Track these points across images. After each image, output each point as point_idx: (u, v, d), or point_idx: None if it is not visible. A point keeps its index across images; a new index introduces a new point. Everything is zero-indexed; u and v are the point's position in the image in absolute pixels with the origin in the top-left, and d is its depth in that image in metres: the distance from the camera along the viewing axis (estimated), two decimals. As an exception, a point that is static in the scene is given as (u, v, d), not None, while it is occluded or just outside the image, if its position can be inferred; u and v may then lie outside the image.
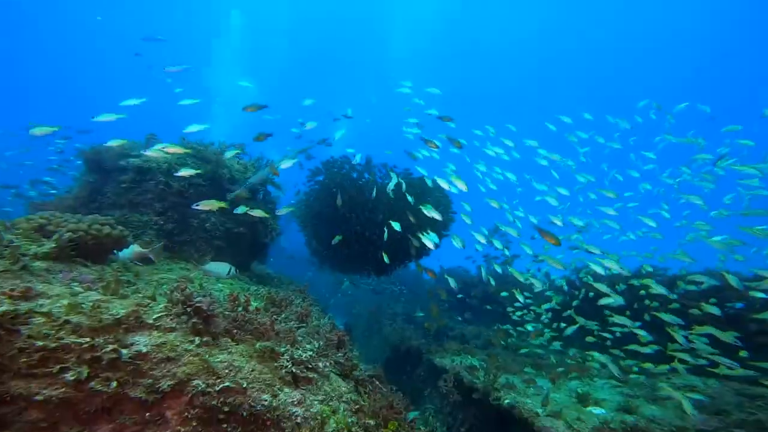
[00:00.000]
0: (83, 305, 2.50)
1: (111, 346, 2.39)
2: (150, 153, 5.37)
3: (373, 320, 12.62)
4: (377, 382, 3.72)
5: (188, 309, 2.79)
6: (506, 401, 5.31)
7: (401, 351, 9.69)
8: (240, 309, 3.11)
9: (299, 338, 3.35)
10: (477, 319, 11.60)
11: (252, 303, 4.91)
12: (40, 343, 2.19)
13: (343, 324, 11.77)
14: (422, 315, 11.22)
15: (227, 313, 3.01)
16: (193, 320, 2.78)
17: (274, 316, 4.11)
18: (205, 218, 6.55)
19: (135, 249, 3.96)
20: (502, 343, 8.76)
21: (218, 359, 2.82)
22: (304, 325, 3.99)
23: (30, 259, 2.81)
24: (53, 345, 2.23)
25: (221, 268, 4.55)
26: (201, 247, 6.51)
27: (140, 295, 3.01)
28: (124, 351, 2.43)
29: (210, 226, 6.56)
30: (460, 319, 11.32)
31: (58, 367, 2.13)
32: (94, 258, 3.42)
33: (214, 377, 2.68)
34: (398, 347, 9.89)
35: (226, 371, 2.77)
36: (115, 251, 3.80)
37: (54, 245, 3.03)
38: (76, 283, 2.80)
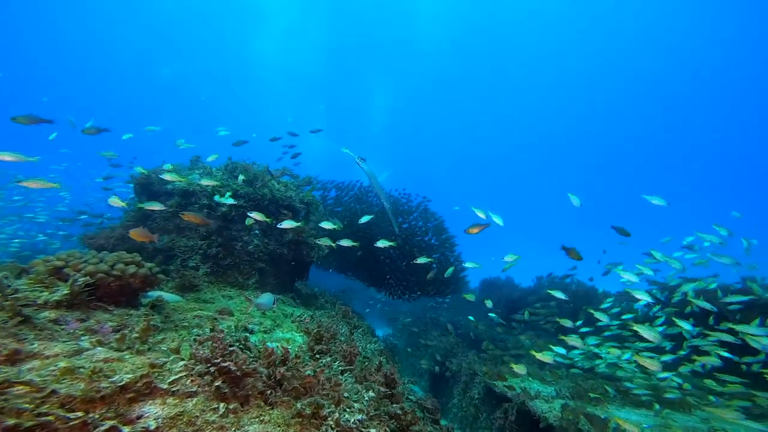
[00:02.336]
0: (83, 368, 1.85)
1: (108, 423, 1.72)
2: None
3: (416, 331, 11.66)
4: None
5: (212, 369, 2.08)
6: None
7: (450, 370, 8.66)
8: (278, 363, 2.36)
9: (345, 394, 2.54)
10: (525, 331, 10.30)
11: (295, 337, 4.21)
12: (11, 422, 1.54)
13: (384, 338, 10.89)
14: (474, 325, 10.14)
15: (261, 369, 2.27)
16: (218, 383, 2.07)
17: (318, 356, 3.37)
18: (248, 241, 6.00)
19: (158, 294, 3.32)
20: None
21: None
22: (351, 367, 3.19)
23: (36, 310, 2.25)
24: (29, 423, 1.57)
25: (267, 299, 3.90)
26: (245, 270, 5.95)
27: (163, 348, 2.34)
28: (126, 429, 1.75)
29: (253, 249, 5.99)
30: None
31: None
32: (119, 301, 2.85)
33: (243, 458, 1.94)
34: (445, 364, 8.88)
35: (258, 448, 2.02)
36: (148, 290, 3.22)
37: (66, 291, 2.46)
38: (86, 337, 2.19)
